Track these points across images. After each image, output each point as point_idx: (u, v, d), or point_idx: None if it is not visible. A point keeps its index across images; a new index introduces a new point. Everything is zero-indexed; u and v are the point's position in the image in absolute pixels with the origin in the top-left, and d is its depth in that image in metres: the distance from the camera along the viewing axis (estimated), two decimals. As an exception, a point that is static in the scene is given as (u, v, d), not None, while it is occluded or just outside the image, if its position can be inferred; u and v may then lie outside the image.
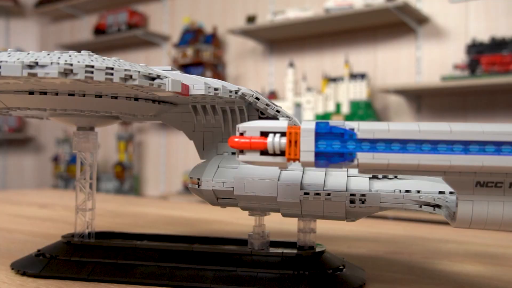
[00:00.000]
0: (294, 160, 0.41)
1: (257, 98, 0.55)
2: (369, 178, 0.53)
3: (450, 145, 0.38)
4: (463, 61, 2.51)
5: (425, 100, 2.81)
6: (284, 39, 3.26)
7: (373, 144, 0.39)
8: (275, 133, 0.42)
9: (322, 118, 2.85)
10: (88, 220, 0.63)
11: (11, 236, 0.84)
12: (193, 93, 0.50)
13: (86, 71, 0.40)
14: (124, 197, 2.03)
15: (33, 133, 4.68)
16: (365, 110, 2.80)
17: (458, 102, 2.71)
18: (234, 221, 1.11)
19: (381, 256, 0.74)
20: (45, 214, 1.16)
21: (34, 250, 0.71)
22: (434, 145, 0.38)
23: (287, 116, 0.57)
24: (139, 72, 0.43)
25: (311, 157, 0.40)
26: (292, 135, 0.41)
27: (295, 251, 0.57)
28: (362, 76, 2.82)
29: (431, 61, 2.79)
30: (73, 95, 0.50)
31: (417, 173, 0.41)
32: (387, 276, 0.61)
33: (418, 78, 2.82)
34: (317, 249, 0.58)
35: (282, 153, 0.41)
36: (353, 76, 2.84)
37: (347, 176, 0.53)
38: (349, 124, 0.40)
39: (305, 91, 2.97)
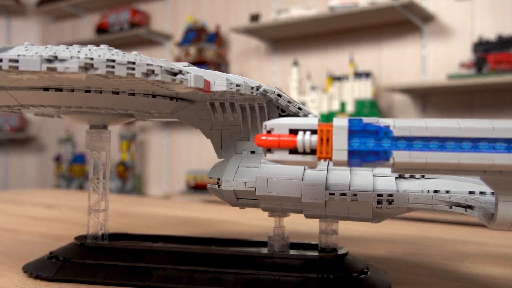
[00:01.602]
0: (325, 159, 0.39)
1: (279, 95, 0.53)
2: (396, 177, 0.52)
3: (492, 143, 0.36)
4: (470, 59, 2.49)
5: (431, 99, 2.79)
6: (288, 38, 3.24)
7: (410, 142, 0.38)
8: (304, 130, 0.40)
9: (327, 117, 2.83)
10: (102, 221, 0.62)
11: (20, 237, 0.82)
12: (214, 89, 0.48)
13: (107, 66, 0.38)
14: (129, 197, 2.01)
15: (35, 133, 4.66)
16: (370, 109, 2.77)
17: (464, 100, 2.69)
18: (244, 222, 1.09)
19: (400, 258, 0.72)
20: (52, 214, 1.14)
21: (44, 252, 0.70)
22: (474, 143, 0.37)
23: (310, 114, 0.55)
24: (161, 67, 0.41)
25: (344, 156, 0.38)
26: (323, 132, 0.39)
27: (316, 253, 0.56)
28: (367, 74, 2.80)
29: (436, 59, 2.77)
30: (89, 91, 0.48)
31: (456, 172, 0.39)
32: (411, 278, 0.59)
33: (424, 76, 2.80)
34: (340, 251, 0.56)
35: (312, 152, 0.39)
36: (358, 75, 2.82)
37: (373, 175, 0.51)
38: (384, 121, 0.38)
39: (309, 90, 2.95)
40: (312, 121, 0.40)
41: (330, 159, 0.39)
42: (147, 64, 0.40)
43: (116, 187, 3.80)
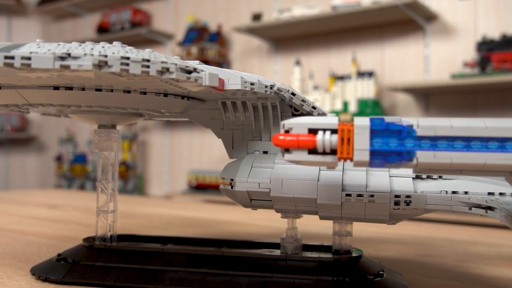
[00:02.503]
0: (346, 159, 0.38)
1: (293, 94, 0.52)
2: (413, 178, 0.50)
3: (519, 143, 0.35)
4: (473, 58, 2.48)
5: (434, 98, 2.78)
6: (290, 37, 3.22)
7: (434, 142, 0.36)
8: (324, 130, 0.38)
9: (329, 117, 2.81)
10: (110, 223, 0.60)
11: (25, 238, 0.81)
12: (228, 88, 0.46)
13: (122, 63, 0.37)
14: (131, 197, 2.00)
15: (36, 133, 4.65)
16: (372, 108, 2.76)
17: (467, 100, 2.68)
18: (251, 222, 1.08)
19: (413, 259, 0.71)
20: (56, 215, 1.13)
21: (51, 254, 0.69)
22: (502, 143, 0.35)
23: (323, 113, 0.54)
24: (176, 64, 0.40)
25: (365, 156, 0.37)
26: (344, 132, 0.38)
27: (330, 255, 0.54)
28: (370, 74, 2.79)
29: (439, 58, 2.76)
30: (100, 90, 0.47)
31: (481, 173, 0.37)
32: (426, 281, 0.58)
33: (426, 76, 2.78)
34: (354, 254, 0.55)
35: (332, 152, 0.38)
36: (361, 74, 2.81)
37: (389, 176, 0.50)
38: (407, 120, 0.37)
39: (312, 89, 2.94)
40: (332, 120, 0.39)
41: (351, 159, 0.38)
42: (162, 62, 0.39)
43: (117, 187, 3.78)
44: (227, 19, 3.53)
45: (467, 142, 0.36)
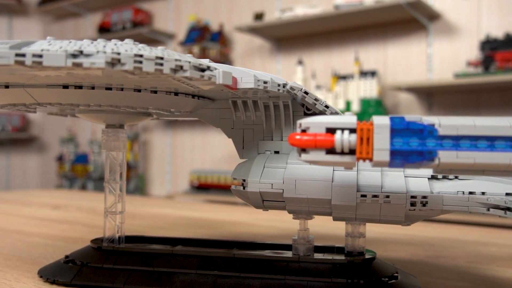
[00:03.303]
0: (365, 159, 0.37)
1: (306, 92, 0.51)
2: (428, 178, 0.49)
3: (545, 142, 0.34)
4: (477, 57, 2.47)
5: (437, 98, 2.77)
6: (292, 37, 3.21)
7: (456, 142, 0.35)
8: (342, 129, 0.38)
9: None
10: (118, 224, 0.59)
11: (30, 239, 0.80)
12: (241, 86, 0.45)
13: (135, 61, 0.36)
14: (133, 197, 1.99)
15: (37, 133, 4.64)
16: (375, 108, 2.75)
17: (470, 99, 2.67)
18: (256, 223, 1.07)
19: (424, 261, 0.70)
20: (60, 215, 1.12)
21: (58, 255, 0.68)
22: (527, 142, 0.34)
23: (336, 112, 0.53)
24: (189, 62, 0.39)
25: (385, 156, 0.36)
26: (363, 131, 0.37)
27: (343, 257, 0.53)
28: (373, 73, 2.78)
29: (442, 58, 2.75)
30: (110, 89, 0.46)
31: (505, 173, 0.36)
32: (440, 283, 0.57)
33: (429, 75, 2.77)
34: (367, 255, 0.54)
35: (350, 152, 0.37)
36: (363, 74, 2.80)
37: (404, 176, 0.49)
38: (428, 119, 0.36)
39: (314, 89, 2.93)
40: (350, 120, 0.38)
41: (371, 159, 0.37)
42: (176, 60, 0.38)
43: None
44: (229, 19, 3.52)
45: (491, 142, 0.35)
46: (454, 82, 2.42)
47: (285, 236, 0.90)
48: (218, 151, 3.55)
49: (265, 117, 0.55)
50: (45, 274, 0.54)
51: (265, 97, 0.53)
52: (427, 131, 0.36)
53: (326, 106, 0.52)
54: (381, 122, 0.36)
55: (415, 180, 0.49)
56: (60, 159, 4.04)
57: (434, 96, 2.78)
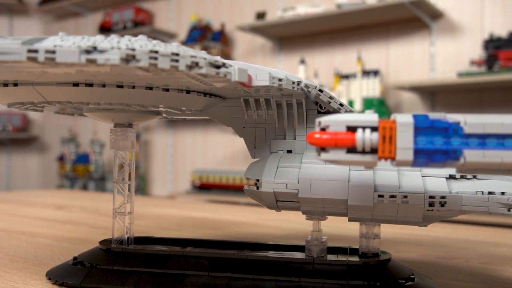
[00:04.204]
0: (387, 158, 0.36)
1: (320, 90, 0.50)
2: (446, 178, 0.48)
3: None
4: (480, 56, 2.46)
5: (439, 97, 2.76)
6: (294, 36, 3.20)
7: (483, 140, 0.34)
8: (364, 127, 0.36)
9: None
10: (127, 225, 0.58)
11: (36, 240, 0.79)
12: (256, 84, 0.44)
13: (150, 57, 0.35)
14: (136, 197, 1.97)
15: (38, 133, 4.63)
16: (378, 107, 2.74)
17: (473, 98, 2.66)
18: (262, 223, 1.06)
19: (436, 262, 0.69)
20: (64, 216, 1.11)
21: (64, 257, 0.67)
22: (556, 141, 0.33)
23: (351, 110, 0.52)
24: (205, 59, 0.38)
25: (409, 155, 0.35)
26: (386, 130, 0.36)
27: (357, 258, 0.52)
28: (375, 73, 2.77)
29: (445, 57, 2.74)
30: (121, 87, 0.45)
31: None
32: (456, 285, 0.56)
33: (432, 74, 2.76)
34: (382, 257, 0.53)
35: (372, 151, 0.36)
36: (366, 73, 2.79)
37: (422, 175, 0.48)
38: (453, 117, 0.35)
39: (316, 88, 2.92)
40: (372, 118, 0.36)
41: (393, 158, 0.36)
42: (191, 56, 0.37)
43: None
44: (231, 18, 3.51)
45: (519, 140, 0.34)
46: (458, 81, 2.41)
47: (292, 236, 0.89)
48: (219, 151, 3.54)
49: (278, 116, 0.54)
50: (54, 276, 0.53)
51: (278, 95, 0.52)
52: (452, 130, 0.35)
53: (341, 105, 0.51)
54: (404, 120, 0.35)
55: (433, 180, 0.48)
56: (61, 159, 4.03)
57: (437, 95, 2.76)
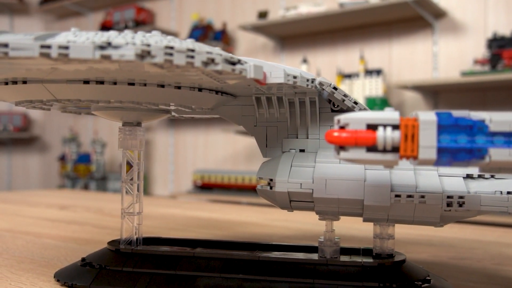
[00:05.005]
0: (409, 157, 0.35)
1: (335, 88, 0.49)
2: (463, 177, 0.47)
3: None
4: (484, 55, 2.45)
5: (443, 96, 2.75)
6: (296, 35, 3.19)
7: (509, 138, 0.33)
8: (385, 125, 0.35)
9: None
10: (136, 225, 0.57)
11: (41, 241, 0.78)
12: (271, 81, 0.43)
13: (166, 53, 0.34)
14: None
15: (38, 132, 4.62)
16: (381, 106, 2.73)
17: (477, 97, 2.65)
18: (269, 223, 1.05)
19: (448, 263, 0.68)
20: (68, 216, 1.10)
21: (71, 257, 0.66)
22: None
23: (365, 109, 0.51)
24: (221, 55, 0.37)
25: (432, 154, 0.34)
26: (408, 128, 0.35)
27: (371, 259, 0.51)
28: (378, 72, 2.76)
29: (448, 56, 2.73)
30: (133, 84, 0.44)
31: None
32: (471, 287, 0.55)
33: (435, 73, 2.75)
34: (397, 258, 0.52)
35: (394, 150, 0.35)
36: (368, 72, 2.78)
37: (438, 175, 0.47)
38: (477, 115, 0.34)
39: (318, 87, 2.91)
40: (393, 115, 0.35)
41: (415, 157, 0.35)
42: (207, 52, 0.36)
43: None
44: (232, 17, 3.50)
45: (546, 138, 0.33)
46: (461, 80, 2.40)
47: (300, 236, 0.88)
48: (221, 150, 3.53)
49: (290, 114, 0.53)
50: (62, 277, 0.52)
51: (291, 93, 0.51)
52: (477, 128, 0.34)
53: (355, 103, 0.50)
54: (427, 117, 0.34)
55: (450, 179, 0.47)
56: (62, 159, 4.02)
57: (440, 95, 2.76)
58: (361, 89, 2.77)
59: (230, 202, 2.44)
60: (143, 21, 3.76)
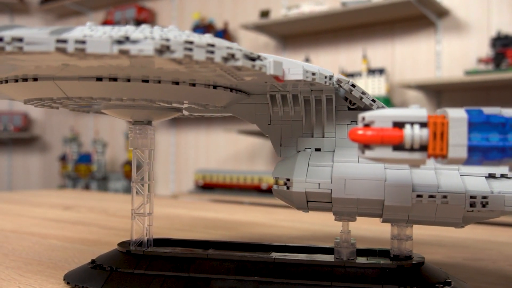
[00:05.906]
0: (438, 156, 0.34)
1: (353, 85, 0.47)
2: (485, 177, 0.46)
3: None
4: (488, 54, 2.44)
5: (446, 95, 2.74)
6: (298, 34, 3.18)
7: (543, 136, 0.32)
8: (412, 123, 0.34)
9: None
10: (146, 226, 0.56)
11: (47, 242, 0.77)
12: (289, 78, 0.42)
13: (185, 48, 0.33)
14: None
15: (39, 132, 4.60)
16: (383, 106, 2.72)
17: (480, 96, 2.64)
18: (276, 223, 1.03)
19: (463, 264, 0.67)
20: (73, 216, 1.08)
21: (79, 259, 0.64)
22: None
23: (383, 107, 0.50)
24: (241, 50, 0.35)
25: (462, 153, 0.33)
26: (437, 126, 0.33)
27: (389, 261, 0.50)
28: (380, 71, 2.74)
29: (451, 55, 2.71)
30: (147, 81, 0.42)
31: None
32: (491, 288, 0.54)
33: (438, 73, 2.74)
34: (415, 259, 0.50)
35: (421, 148, 0.34)
36: (371, 71, 2.76)
37: (460, 174, 0.46)
38: (509, 112, 0.33)
39: (321, 87, 2.90)
40: (420, 113, 0.34)
41: (444, 156, 0.33)
42: (227, 47, 0.35)
43: (122, 187, 3.75)
44: (234, 16, 3.48)
45: None
46: (465, 79, 2.38)
47: (309, 237, 0.87)
48: (222, 150, 3.51)
49: (305, 112, 0.52)
50: (72, 280, 0.51)
51: (306, 90, 0.50)
52: (509, 125, 0.32)
53: (373, 100, 0.49)
54: (457, 115, 0.33)
55: (473, 179, 0.45)
56: (63, 159, 4.00)
57: (443, 94, 2.74)
58: (363, 88, 2.76)
59: (232, 202, 2.43)
60: (144, 21, 3.74)
